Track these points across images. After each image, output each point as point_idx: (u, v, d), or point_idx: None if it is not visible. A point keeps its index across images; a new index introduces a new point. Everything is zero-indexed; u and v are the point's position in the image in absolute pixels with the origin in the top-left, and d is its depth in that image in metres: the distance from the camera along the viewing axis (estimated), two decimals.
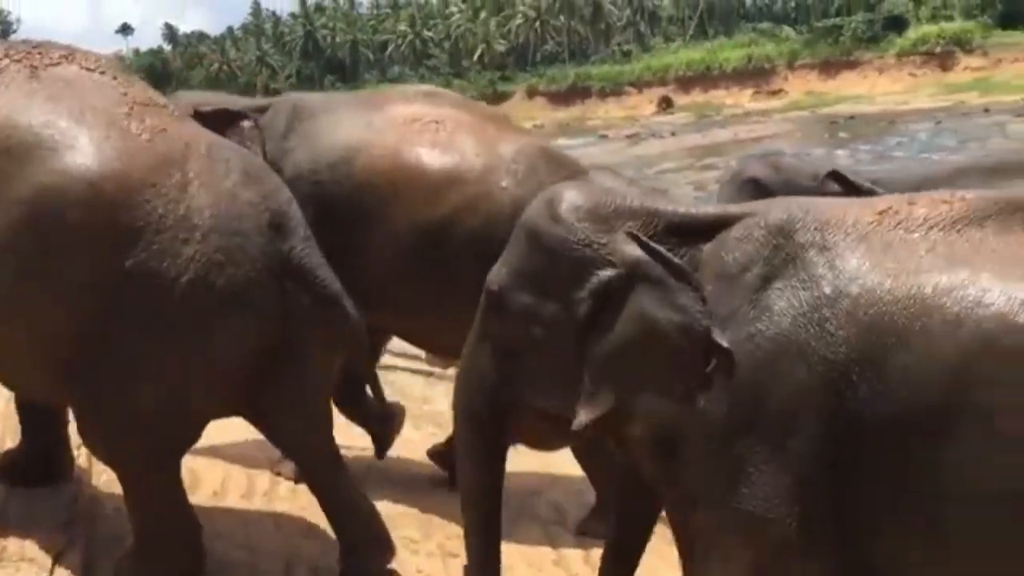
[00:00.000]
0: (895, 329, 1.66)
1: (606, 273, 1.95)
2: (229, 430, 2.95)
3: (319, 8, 63.45)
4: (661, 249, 1.89)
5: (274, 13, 66.93)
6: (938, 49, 37.56)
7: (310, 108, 3.33)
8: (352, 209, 3.06)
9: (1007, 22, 37.64)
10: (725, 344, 1.76)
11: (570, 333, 2.01)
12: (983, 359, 1.59)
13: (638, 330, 1.89)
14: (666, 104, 41.66)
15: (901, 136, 24.22)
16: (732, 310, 1.80)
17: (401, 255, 3.03)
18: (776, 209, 1.89)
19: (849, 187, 3.53)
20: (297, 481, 3.11)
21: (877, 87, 37.54)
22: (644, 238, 1.92)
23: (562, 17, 51.07)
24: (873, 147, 22.43)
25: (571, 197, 2.08)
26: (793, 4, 49.45)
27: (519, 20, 51.58)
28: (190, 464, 2.80)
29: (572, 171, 3.07)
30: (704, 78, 42.48)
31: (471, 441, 2.29)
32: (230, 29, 65.97)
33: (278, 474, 3.29)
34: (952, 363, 1.60)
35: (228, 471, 3.25)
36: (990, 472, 1.57)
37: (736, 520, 1.77)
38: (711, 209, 2.09)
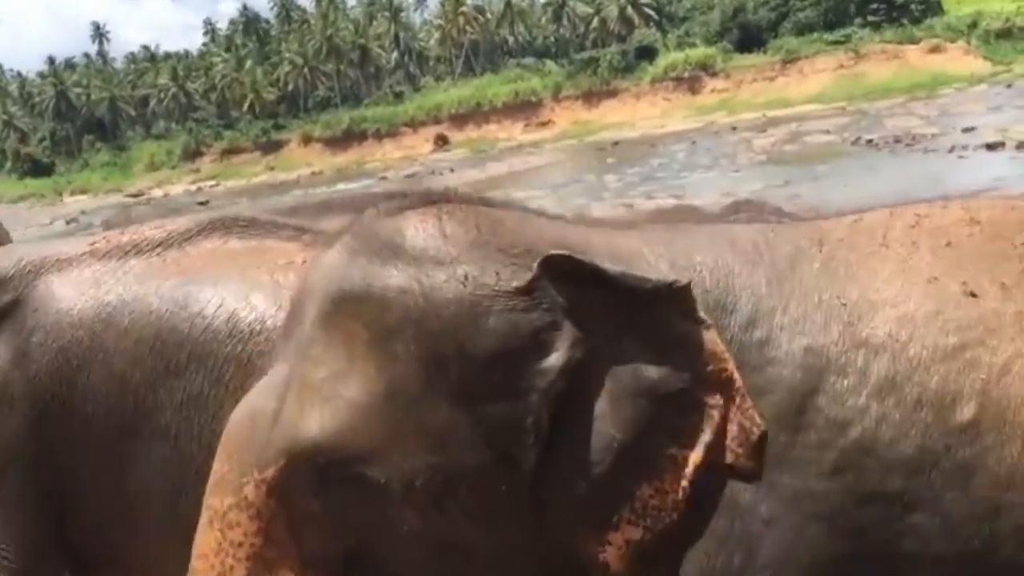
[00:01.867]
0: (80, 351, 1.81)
1: None
2: None
3: (69, 66, 60.10)
4: None
5: (19, 73, 62.85)
6: (686, 74, 40.46)
7: None
8: None
9: (743, 46, 41.15)
10: None
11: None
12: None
13: None
14: (442, 142, 42.45)
15: (662, 158, 25.88)
16: None
17: None
18: None
19: None
20: None
21: (636, 113, 39.91)
22: None
23: (330, 63, 50.99)
24: (639, 170, 23.85)
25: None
26: (553, 39, 51.79)
27: (287, 68, 51.00)
28: None
29: None
30: (476, 114, 43.64)
31: None
32: None
33: None
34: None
35: None
36: None
37: None
38: None
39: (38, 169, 51.45)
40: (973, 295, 1.40)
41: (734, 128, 30.31)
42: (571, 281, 1.27)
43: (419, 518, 1.27)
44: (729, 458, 1.28)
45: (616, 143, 32.17)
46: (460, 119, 43.82)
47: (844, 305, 1.40)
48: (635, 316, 1.30)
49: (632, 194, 19.30)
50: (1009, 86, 29.30)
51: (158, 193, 41.29)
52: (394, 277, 1.27)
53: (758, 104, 35.21)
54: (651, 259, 1.44)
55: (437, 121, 44.14)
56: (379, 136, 44.55)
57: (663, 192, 18.67)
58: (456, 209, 1.35)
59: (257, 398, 1.33)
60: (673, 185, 19.63)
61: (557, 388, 1.26)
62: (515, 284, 1.26)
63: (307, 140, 45.46)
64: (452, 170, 31.15)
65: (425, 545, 1.30)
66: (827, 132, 24.95)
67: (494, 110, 43.45)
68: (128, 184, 45.79)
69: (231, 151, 47.73)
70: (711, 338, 1.28)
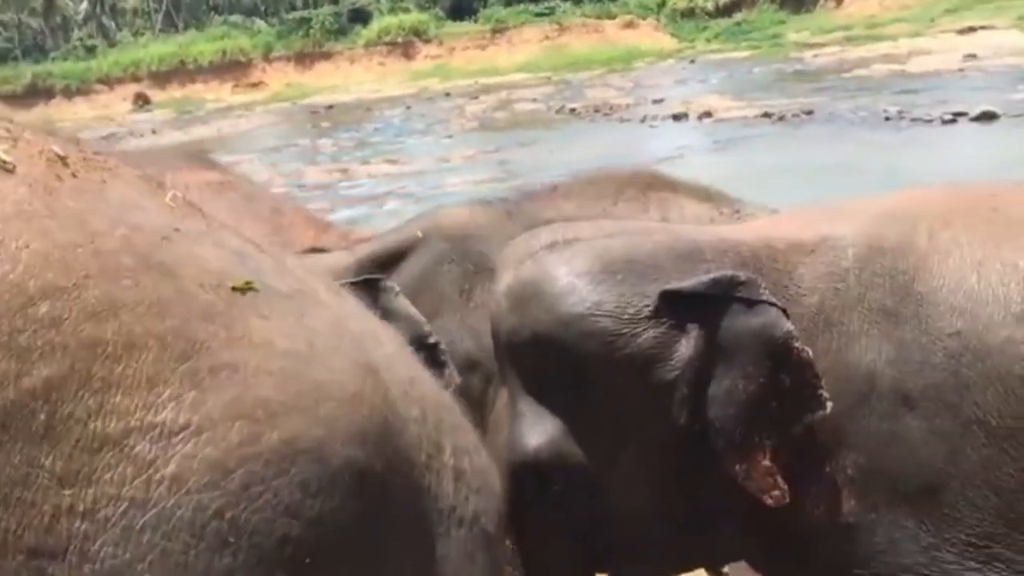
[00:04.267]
0: None
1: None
2: None
3: None
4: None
5: None
6: (400, 39, 40.50)
7: None
8: None
9: (455, 15, 41.83)
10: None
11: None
12: None
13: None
14: (143, 101, 39.62)
15: (378, 123, 25.83)
16: None
17: None
18: None
19: None
20: None
21: (351, 77, 39.44)
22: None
23: (10, 11, 45.91)
24: (353, 134, 23.67)
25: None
26: None
27: None
28: None
29: None
30: (180, 72, 41.13)
31: None
32: None
33: None
34: None
35: None
36: None
37: None
38: None
39: None
40: None
41: (448, 94, 30.83)
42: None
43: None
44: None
45: (330, 107, 31.65)
46: (162, 77, 41.08)
47: None
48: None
49: (347, 159, 19.15)
50: (692, 61, 32.05)
51: None
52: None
53: (471, 71, 35.98)
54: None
55: (136, 79, 41.08)
56: (69, 93, 40.76)
57: (378, 157, 18.69)
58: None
59: None
60: (388, 150, 19.68)
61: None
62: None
63: None
64: (154, 131, 29.24)
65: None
66: (535, 100, 26.04)
67: (200, 69, 41.15)
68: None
69: None
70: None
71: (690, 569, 2.29)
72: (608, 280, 1.87)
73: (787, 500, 1.81)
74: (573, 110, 23.06)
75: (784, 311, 1.83)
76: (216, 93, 40.11)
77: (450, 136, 21.22)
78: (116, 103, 40.00)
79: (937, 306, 1.83)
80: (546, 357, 1.89)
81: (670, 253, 1.93)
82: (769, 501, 1.81)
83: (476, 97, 28.52)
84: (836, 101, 18.49)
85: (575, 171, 3.52)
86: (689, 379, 1.82)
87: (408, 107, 28.47)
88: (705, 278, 1.84)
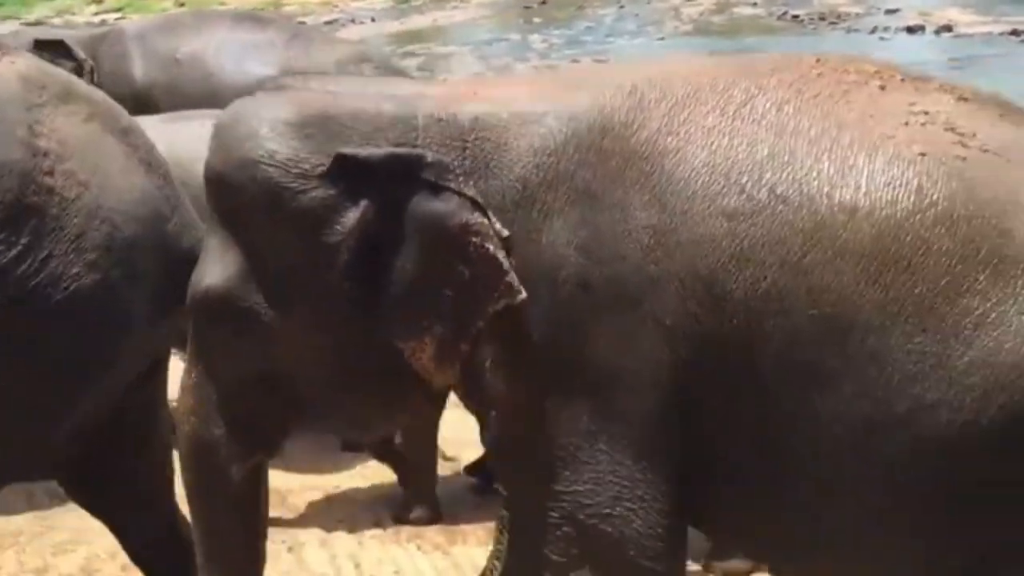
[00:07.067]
0: None
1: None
2: None
3: None
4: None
5: None
6: None
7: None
8: None
9: None
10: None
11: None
12: None
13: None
14: None
15: (589, 21, 25.39)
16: None
17: None
18: None
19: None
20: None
21: None
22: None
23: None
24: (564, 31, 23.40)
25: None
26: None
27: None
28: None
29: None
30: None
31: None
32: None
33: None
34: None
35: None
36: None
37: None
38: None
39: None
40: None
41: None
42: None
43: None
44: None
45: (544, 2, 31.35)
46: None
47: None
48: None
49: (556, 56, 18.98)
50: None
51: (57, 23, 38.97)
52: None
53: None
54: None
55: None
56: None
57: (587, 57, 18.43)
58: None
59: None
60: (597, 50, 19.36)
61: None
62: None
63: None
64: (373, 19, 30.01)
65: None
66: (755, 5, 24.74)
67: None
68: (26, 11, 42.84)
69: None
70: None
71: (380, 429, 2.39)
72: (292, 132, 1.87)
73: (451, 383, 1.87)
74: (796, 17, 21.79)
75: (474, 200, 1.78)
76: None
77: (662, 38, 20.61)
78: None
79: (643, 195, 1.73)
80: (222, 197, 1.94)
81: (378, 115, 1.88)
82: (434, 383, 1.86)
83: None
84: None
85: None
86: (352, 247, 1.84)
87: (622, 6, 27.76)
88: (383, 150, 1.83)
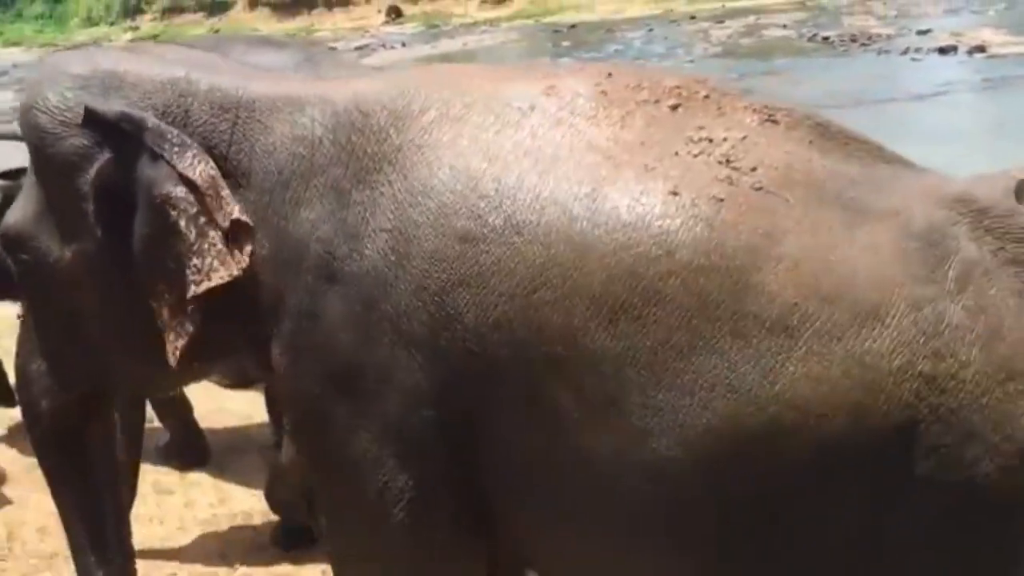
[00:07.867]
0: None
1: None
2: None
3: None
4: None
5: None
6: None
7: None
8: None
9: None
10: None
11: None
12: None
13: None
14: (395, 14, 41.09)
15: (618, 44, 25.46)
16: None
17: None
18: None
19: None
20: None
21: None
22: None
23: None
24: (594, 54, 23.48)
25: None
26: None
27: None
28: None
29: None
30: None
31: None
32: None
33: None
34: None
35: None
36: None
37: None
38: None
39: None
40: None
41: (693, 17, 29.83)
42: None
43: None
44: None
45: (573, 26, 31.49)
46: None
47: None
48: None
49: None
50: None
51: None
52: None
53: None
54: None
55: None
56: (330, 4, 42.90)
57: None
58: None
59: None
60: None
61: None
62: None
63: (254, 4, 43.59)
64: (404, 44, 30.31)
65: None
66: (785, 27, 24.72)
67: None
68: (63, 38, 43.74)
69: (173, 10, 45.64)
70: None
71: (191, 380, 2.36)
72: (71, 83, 1.93)
73: (176, 356, 1.86)
74: (827, 38, 21.71)
75: (183, 175, 1.81)
76: (464, 8, 40.86)
77: (692, 61, 20.59)
78: (371, 15, 41.70)
79: (386, 201, 1.72)
80: (23, 138, 2.02)
81: (159, 77, 1.94)
82: (168, 349, 1.86)
83: (722, 21, 27.43)
84: None
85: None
86: (94, 197, 1.89)
87: (651, 29, 27.83)
88: (117, 108, 1.87)
